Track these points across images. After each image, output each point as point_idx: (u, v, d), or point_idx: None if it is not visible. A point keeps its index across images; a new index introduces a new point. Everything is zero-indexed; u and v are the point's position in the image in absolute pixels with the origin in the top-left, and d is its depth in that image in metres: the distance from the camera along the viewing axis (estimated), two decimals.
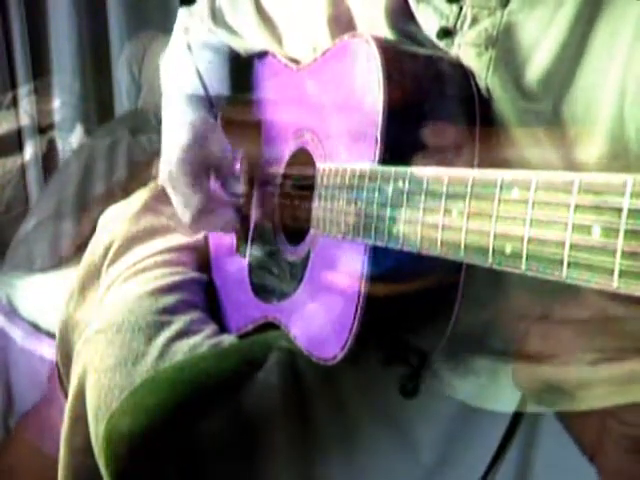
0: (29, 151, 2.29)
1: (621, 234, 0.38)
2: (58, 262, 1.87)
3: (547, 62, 0.65)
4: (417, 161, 0.65)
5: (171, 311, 0.97)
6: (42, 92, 2.26)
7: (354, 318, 0.69)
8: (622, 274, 0.38)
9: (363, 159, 0.69)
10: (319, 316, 0.77)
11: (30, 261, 1.95)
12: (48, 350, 1.58)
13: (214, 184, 0.93)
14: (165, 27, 1.16)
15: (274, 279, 0.90)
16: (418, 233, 0.57)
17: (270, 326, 0.90)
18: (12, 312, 1.77)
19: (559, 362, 0.65)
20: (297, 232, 0.85)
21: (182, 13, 1.08)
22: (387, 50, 0.69)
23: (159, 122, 1.01)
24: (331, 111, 0.78)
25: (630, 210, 0.38)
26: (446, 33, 0.72)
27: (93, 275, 1.15)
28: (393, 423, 0.83)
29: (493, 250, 0.48)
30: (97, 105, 2.44)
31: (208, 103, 1.01)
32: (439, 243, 0.55)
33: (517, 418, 0.82)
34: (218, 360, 0.89)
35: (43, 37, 2.34)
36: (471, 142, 0.67)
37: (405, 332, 0.74)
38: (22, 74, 2.29)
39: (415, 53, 0.72)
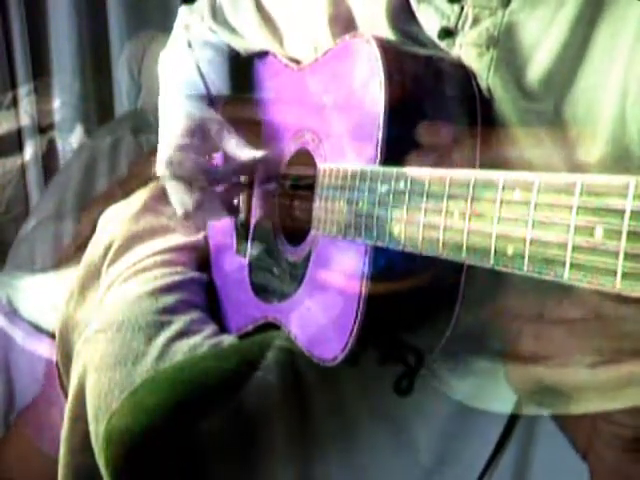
0: (29, 151, 2.29)
1: (623, 236, 0.38)
2: (58, 262, 1.87)
3: (548, 62, 0.65)
4: (418, 161, 0.65)
5: (171, 311, 0.97)
6: (42, 92, 2.26)
7: (355, 319, 0.69)
8: (625, 276, 0.38)
9: (364, 159, 0.69)
10: (320, 317, 0.77)
11: (30, 261, 1.95)
12: (48, 350, 1.58)
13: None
14: (165, 27, 1.16)
15: (274, 279, 0.90)
16: (419, 234, 0.57)
17: (270, 326, 0.90)
18: (12, 312, 1.77)
19: (552, 363, 0.65)
20: (298, 232, 0.85)
21: (183, 11, 1.08)
22: (388, 50, 0.69)
23: (159, 122, 1.00)
24: (332, 111, 0.78)
25: (632, 212, 0.38)
26: (447, 33, 0.72)
27: (93, 275, 1.15)
28: (391, 422, 0.83)
29: (495, 251, 0.48)
30: (97, 105, 2.44)
31: (208, 100, 1.01)
32: (440, 244, 0.55)
33: (514, 418, 0.82)
34: (218, 360, 0.89)
35: (43, 37, 2.34)
36: (472, 142, 0.67)
37: (405, 332, 0.74)
38: (22, 74, 2.29)
39: (416, 53, 0.72)
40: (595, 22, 0.63)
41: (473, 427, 0.82)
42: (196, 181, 0.88)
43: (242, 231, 1.01)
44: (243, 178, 0.98)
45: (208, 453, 0.79)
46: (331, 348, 0.72)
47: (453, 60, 0.71)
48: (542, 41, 0.66)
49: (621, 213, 0.38)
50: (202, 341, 0.92)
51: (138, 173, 1.67)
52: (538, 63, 0.66)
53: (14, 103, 2.09)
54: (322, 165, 0.78)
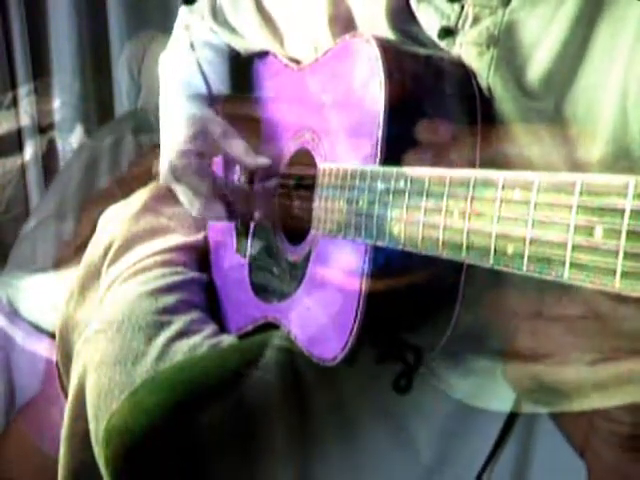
0: (29, 151, 2.29)
1: (623, 235, 0.38)
2: (58, 262, 1.87)
3: (548, 61, 0.65)
4: (418, 161, 0.65)
5: (171, 311, 0.97)
6: (42, 92, 2.25)
7: (355, 319, 0.69)
8: (624, 275, 0.38)
9: (364, 159, 0.69)
10: (319, 316, 0.77)
11: (31, 261, 1.95)
12: (48, 350, 1.58)
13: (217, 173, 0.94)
14: (165, 27, 1.16)
15: (274, 279, 0.90)
16: (419, 233, 0.57)
17: (270, 326, 0.90)
18: (12, 312, 1.77)
19: (549, 360, 0.65)
20: (298, 232, 0.85)
21: (183, 11, 1.09)
22: (388, 50, 0.69)
23: (159, 122, 1.00)
24: (332, 111, 0.78)
25: (632, 211, 0.38)
26: (447, 32, 0.72)
27: (93, 275, 1.15)
28: (391, 420, 0.83)
29: (495, 251, 0.48)
30: (97, 105, 2.44)
31: (209, 100, 1.01)
32: (440, 244, 0.55)
33: (513, 416, 0.82)
34: (218, 360, 0.89)
35: (43, 37, 2.34)
36: (472, 141, 0.67)
37: (406, 331, 0.74)
38: (22, 74, 2.29)
39: (416, 53, 0.72)
40: (595, 21, 0.63)
41: (473, 425, 0.82)
42: (200, 186, 0.88)
43: (242, 230, 1.01)
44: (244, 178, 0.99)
45: (208, 453, 0.79)
46: (331, 348, 0.72)
47: (453, 59, 0.71)
48: (542, 40, 0.66)
49: (621, 212, 0.38)
50: (202, 341, 0.93)
51: (138, 173, 1.67)
52: (538, 62, 0.66)
53: (14, 103, 2.09)
54: (322, 164, 0.78)
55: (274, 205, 0.92)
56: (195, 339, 0.93)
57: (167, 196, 0.95)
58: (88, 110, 2.40)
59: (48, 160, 2.37)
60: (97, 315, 1.02)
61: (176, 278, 1.03)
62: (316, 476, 0.79)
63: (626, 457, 0.71)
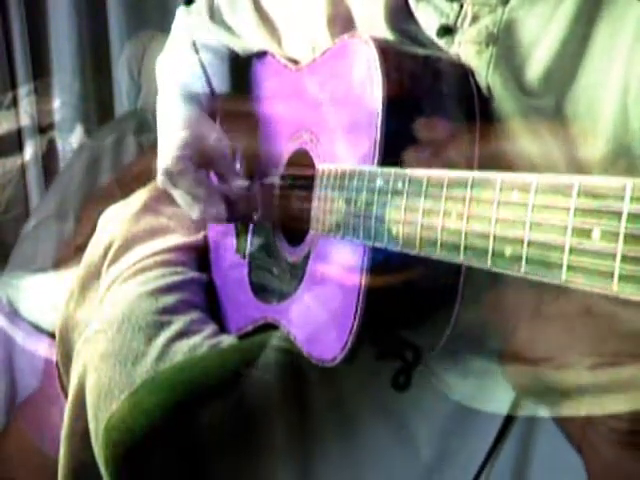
0: (29, 151, 2.29)
1: (621, 238, 0.37)
2: (58, 262, 1.87)
3: (547, 59, 0.65)
4: (416, 161, 0.65)
5: (171, 311, 0.97)
6: (42, 92, 2.25)
7: (354, 320, 0.69)
8: (622, 278, 0.38)
9: (362, 160, 0.69)
10: (318, 318, 0.77)
11: (32, 261, 1.95)
12: (48, 350, 1.58)
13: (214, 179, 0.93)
14: (165, 27, 1.16)
15: (274, 280, 0.89)
16: (417, 235, 0.57)
17: (270, 327, 0.90)
18: (13, 312, 1.77)
19: (548, 358, 0.65)
20: (297, 233, 0.85)
21: (182, 12, 1.08)
22: (386, 51, 0.69)
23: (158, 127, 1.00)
24: (330, 112, 0.78)
25: (630, 214, 0.37)
26: (446, 31, 0.72)
27: (93, 275, 1.15)
28: (391, 418, 0.83)
29: (492, 253, 0.48)
30: (97, 105, 2.44)
31: (209, 100, 1.01)
32: (438, 245, 0.54)
33: (510, 419, 0.82)
34: (218, 360, 0.89)
35: (43, 37, 2.34)
36: (471, 141, 0.67)
37: (405, 330, 0.74)
38: (22, 74, 2.29)
39: (414, 53, 0.71)
40: (594, 20, 0.63)
41: (473, 423, 0.82)
42: (197, 192, 0.88)
43: (242, 231, 1.01)
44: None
45: (208, 453, 0.79)
46: (330, 349, 0.72)
47: (451, 59, 0.71)
48: (541, 38, 0.66)
49: (618, 215, 0.38)
50: (202, 341, 0.92)
51: (138, 173, 1.67)
52: (537, 60, 0.66)
53: (14, 103, 2.08)
54: (320, 165, 0.78)
55: (273, 206, 0.92)
56: (195, 339, 0.93)
57: (167, 196, 0.95)
58: (88, 110, 2.40)
59: (48, 160, 2.38)
60: (97, 315, 1.02)
61: (176, 278, 1.03)
62: (316, 474, 0.79)
63: (625, 454, 0.71)
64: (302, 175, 0.85)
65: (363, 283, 0.68)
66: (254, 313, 0.94)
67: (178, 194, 0.90)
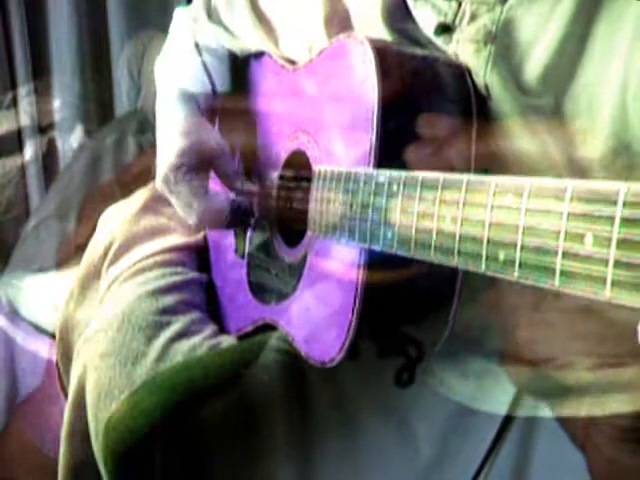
0: (29, 151, 2.29)
1: (613, 243, 0.37)
2: (59, 262, 1.87)
3: (546, 58, 0.65)
4: (412, 162, 0.65)
5: (171, 311, 0.97)
6: (42, 92, 2.25)
7: (351, 321, 0.69)
8: (615, 284, 0.37)
9: (358, 161, 0.69)
10: (316, 319, 0.77)
11: (33, 262, 1.95)
12: (49, 350, 1.58)
13: (213, 183, 0.93)
14: (164, 27, 1.16)
15: (272, 281, 0.89)
16: (412, 238, 0.57)
17: (269, 327, 0.90)
18: (13, 313, 1.77)
19: (548, 359, 0.65)
20: (294, 234, 0.85)
21: (179, 13, 1.08)
22: (381, 51, 0.69)
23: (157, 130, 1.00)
24: (326, 112, 0.78)
25: (623, 219, 0.37)
26: (444, 29, 0.72)
27: (93, 275, 1.15)
28: (392, 415, 0.83)
29: (486, 257, 0.48)
30: (97, 105, 2.43)
31: (210, 102, 1.01)
32: (433, 248, 0.54)
33: (509, 419, 0.82)
34: (217, 361, 0.89)
35: (43, 37, 2.34)
36: (468, 141, 0.67)
37: (405, 326, 0.74)
38: (22, 74, 2.29)
39: (410, 53, 0.71)
40: (593, 19, 0.63)
41: (473, 422, 0.82)
42: (192, 201, 0.88)
43: (240, 232, 1.01)
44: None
45: (207, 453, 0.79)
46: (328, 350, 0.72)
47: (447, 60, 0.71)
48: (540, 37, 0.66)
49: (611, 220, 0.37)
50: (202, 342, 0.92)
51: (138, 173, 1.67)
52: (536, 59, 0.66)
53: (14, 103, 2.09)
54: (317, 167, 0.78)
55: (271, 207, 0.92)
56: (195, 340, 0.93)
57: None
58: (88, 110, 2.40)
59: (48, 160, 2.37)
60: (97, 315, 1.02)
61: (176, 278, 1.03)
62: (317, 473, 0.79)
63: (626, 449, 0.71)
64: (299, 176, 0.85)
65: (359, 284, 0.68)
66: (253, 314, 0.94)
67: (174, 201, 0.90)
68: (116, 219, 1.20)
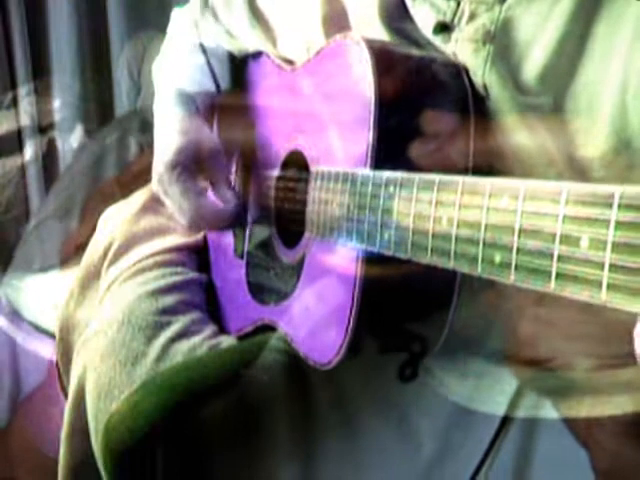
0: (29, 151, 2.29)
1: (609, 246, 0.37)
2: (60, 262, 1.88)
3: (545, 57, 0.65)
4: (410, 163, 0.65)
5: (171, 312, 0.97)
6: (42, 92, 2.25)
7: (349, 322, 0.69)
8: (610, 288, 0.37)
9: (356, 161, 0.69)
10: (315, 320, 0.77)
11: (33, 262, 1.95)
12: (49, 350, 1.58)
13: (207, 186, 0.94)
14: (164, 27, 1.16)
15: (270, 282, 0.90)
16: (408, 240, 0.57)
17: (269, 328, 0.90)
18: (13, 313, 1.78)
19: (552, 348, 0.65)
20: (293, 234, 0.85)
21: (177, 14, 1.08)
22: (378, 51, 0.69)
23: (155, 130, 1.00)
24: (323, 113, 0.78)
25: (618, 222, 0.37)
26: (443, 28, 0.72)
27: (93, 275, 1.15)
28: (393, 412, 0.82)
29: (482, 259, 0.48)
30: (97, 105, 2.43)
31: (208, 102, 1.01)
32: (429, 251, 0.54)
33: (507, 419, 0.82)
34: (217, 361, 0.89)
35: (43, 37, 2.33)
36: (465, 141, 0.67)
37: (405, 322, 0.74)
38: (22, 74, 2.29)
39: (407, 54, 0.71)
40: (592, 19, 0.63)
41: (475, 419, 0.82)
42: (183, 205, 0.88)
43: (239, 232, 1.01)
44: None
45: (208, 453, 0.79)
46: (326, 352, 0.72)
47: (445, 60, 0.71)
48: (538, 37, 0.65)
49: (606, 223, 0.37)
50: (201, 342, 0.92)
51: (138, 173, 1.67)
52: (535, 59, 0.66)
53: (14, 103, 2.09)
54: (314, 168, 0.78)
55: (269, 207, 0.92)
56: (195, 340, 0.93)
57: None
58: (88, 110, 2.40)
59: (48, 160, 2.37)
60: (97, 315, 1.02)
61: (176, 278, 1.03)
62: (318, 470, 0.79)
63: (630, 444, 0.71)
64: (296, 177, 0.86)
65: (357, 286, 0.68)
66: (252, 314, 0.94)
67: (169, 202, 0.90)
68: (116, 219, 1.20)
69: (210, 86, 1.02)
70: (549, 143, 0.65)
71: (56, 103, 2.27)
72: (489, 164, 0.66)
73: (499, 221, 0.46)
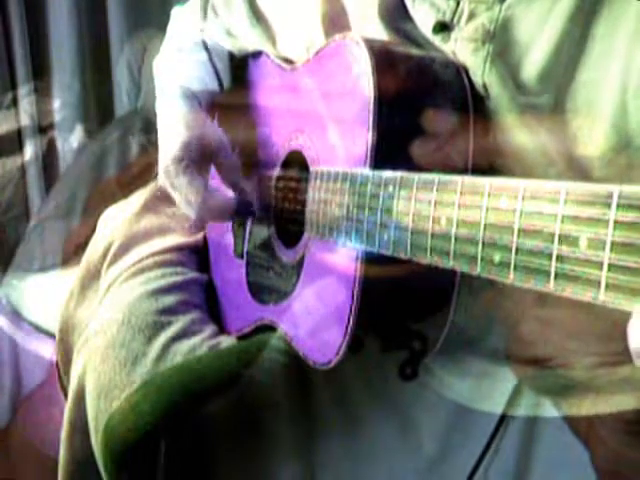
0: (29, 151, 2.29)
1: (607, 246, 0.37)
2: (60, 262, 1.88)
3: (544, 57, 0.65)
4: (409, 163, 0.65)
5: (171, 311, 0.97)
6: (42, 92, 2.25)
7: (348, 322, 0.69)
8: (609, 287, 0.37)
9: (355, 161, 0.69)
10: (314, 320, 0.77)
11: (33, 262, 1.95)
12: (49, 350, 1.58)
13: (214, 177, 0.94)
14: (165, 26, 1.16)
15: (270, 282, 0.90)
16: (407, 240, 0.57)
17: (269, 327, 0.90)
18: (13, 313, 1.78)
19: (553, 347, 0.65)
20: (293, 234, 0.85)
21: (177, 13, 1.08)
22: (377, 51, 0.69)
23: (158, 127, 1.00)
24: (322, 113, 0.78)
25: (616, 222, 0.37)
26: (442, 27, 0.72)
27: (93, 275, 1.15)
28: (394, 411, 0.83)
29: (481, 259, 0.47)
30: (97, 105, 2.43)
31: (211, 98, 1.01)
32: (428, 250, 0.54)
33: (505, 418, 0.82)
34: (217, 361, 0.89)
35: (43, 37, 2.33)
36: (465, 141, 0.67)
37: (408, 322, 0.74)
38: (22, 74, 2.28)
39: (406, 53, 0.71)
40: (592, 18, 0.63)
41: (476, 417, 0.82)
42: (190, 196, 0.88)
43: (239, 232, 1.01)
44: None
45: (208, 453, 0.79)
46: (325, 352, 0.72)
47: (444, 60, 0.71)
48: (538, 36, 0.66)
49: (605, 223, 0.37)
50: (201, 342, 0.92)
51: (138, 172, 1.67)
52: (534, 58, 0.66)
53: (14, 103, 2.08)
54: (314, 168, 0.78)
55: (269, 207, 0.92)
56: (195, 340, 0.93)
57: (167, 196, 0.95)
58: (88, 110, 2.39)
59: (48, 160, 2.37)
60: (97, 315, 1.02)
61: (176, 278, 1.03)
62: (319, 468, 0.80)
63: (631, 442, 0.71)
64: (296, 177, 0.86)
65: (356, 286, 0.68)
66: (252, 314, 0.94)
67: (176, 195, 0.90)
68: (116, 219, 1.20)
69: (213, 84, 1.02)
70: (549, 142, 0.65)
71: (56, 103, 2.27)
72: (489, 164, 0.66)
73: (498, 221, 0.46)
